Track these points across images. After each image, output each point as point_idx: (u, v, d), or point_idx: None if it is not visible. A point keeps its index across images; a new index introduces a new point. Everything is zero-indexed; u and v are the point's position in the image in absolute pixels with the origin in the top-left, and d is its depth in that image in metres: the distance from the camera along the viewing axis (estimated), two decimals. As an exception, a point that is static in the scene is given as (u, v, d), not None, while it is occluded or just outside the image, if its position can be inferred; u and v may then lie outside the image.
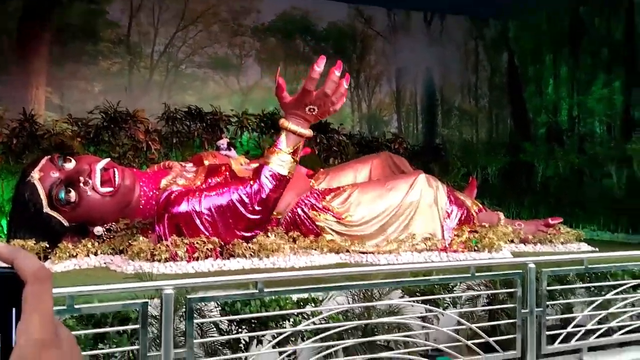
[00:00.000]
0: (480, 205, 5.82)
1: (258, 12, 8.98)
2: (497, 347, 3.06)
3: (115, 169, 4.64)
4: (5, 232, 4.94)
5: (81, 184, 4.44)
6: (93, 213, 4.55)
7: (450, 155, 8.85)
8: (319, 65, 4.14)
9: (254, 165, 5.28)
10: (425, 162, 8.48)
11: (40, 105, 7.46)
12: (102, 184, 4.53)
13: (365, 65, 9.82)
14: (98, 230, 4.63)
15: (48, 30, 7.64)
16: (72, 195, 4.43)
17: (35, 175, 4.44)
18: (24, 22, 7.51)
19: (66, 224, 4.51)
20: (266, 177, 4.38)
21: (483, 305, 3.44)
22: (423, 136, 10.14)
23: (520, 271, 3.19)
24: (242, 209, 4.36)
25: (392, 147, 8.38)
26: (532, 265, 3.18)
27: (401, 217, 4.91)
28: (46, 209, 4.42)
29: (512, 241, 5.52)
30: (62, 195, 4.40)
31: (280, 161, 4.38)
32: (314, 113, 4.31)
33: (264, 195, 4.36)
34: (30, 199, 4.40)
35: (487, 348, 3.03)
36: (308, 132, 4.41)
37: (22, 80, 7.44)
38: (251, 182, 4.40)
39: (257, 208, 4.37)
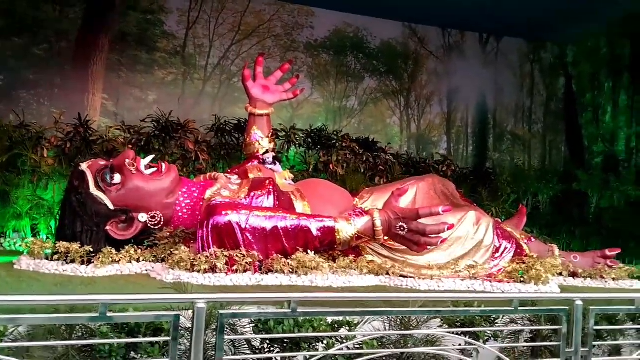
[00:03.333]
0: (529, 235, 5.62)
1: (312, 28, 9.03)
2: (538, 386, 2.91)
3: (162, 163, 4.85)
4: (55, 232, 5.06)
5: (126, 165, 4.62)
6: (137, 196, 4.64)
7: (500, 180, 8.59)
8: (444, 210, 4.20)
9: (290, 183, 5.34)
10: (474, 186, 8.30)
11: (95, 111, 7.68)
12: (147, 168, 4.73)
13: (416, 85, 9.73)
14: (142, 216, 4.71)
15: (106, 38, 7.88)
16: (117, 176, 4.59)
17: (84, 165, 4.68)
18: (84, 28, 7.77)
19: (111, 207, 4.60)
20: (323, 226, 4.38)
21: (526, 341, 3.30)
22: (473, 159, 9.95)
23: (567, 308, 3.04)
24: (283, 239, 4.37)
25: (440, 169, 8.22)
26: (579, 302, 3.02)
27: (447, 251, 4.80)
28: (92, 190, 4.56)
29: (560, 274, 5.31)
30: (107, 175, 4.58)
31: (344, 230, 4.37)
32: (399, 232, 4.27)
33: (305, 237, 4.36)
34: (79, 185, 4.58)
35: (527, 386, 2.90)
36: (380, 238, 4.37)
37: (79, 86, 7.68)
38: (304, 217, 4.42)
39: (295, 245, 4.38)
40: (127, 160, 4.63)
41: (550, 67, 10.53)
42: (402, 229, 4.22)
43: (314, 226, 4.38)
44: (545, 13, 8.83)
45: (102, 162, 4.71)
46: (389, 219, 4.29)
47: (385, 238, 4.42)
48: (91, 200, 4.57)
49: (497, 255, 4.93)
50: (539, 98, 10.52)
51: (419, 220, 4.20)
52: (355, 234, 4.36)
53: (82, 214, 4.57)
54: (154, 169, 4.77)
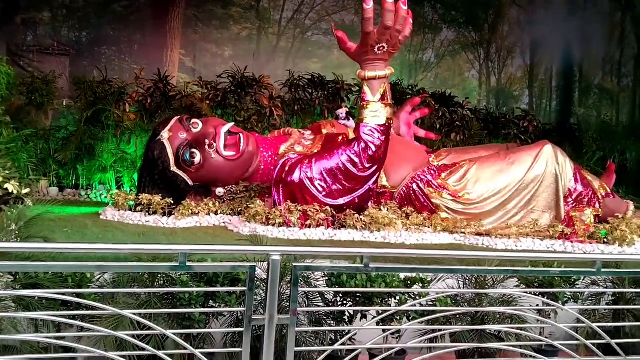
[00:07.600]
0: (609, 191, 5.33)
1: (388, -21, 8.77)
2: (619, 350, 2.80)
3: (240, 135, 4.79)
4: (136, 186, 5.28)
5: (206, 147, 4.64)
6: (216, 175, 4.75)
7: (585, 137, 8.16)
8: (368, 3, 4.03)
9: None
10: (558, 142, 7.86)
11: (174, 67, 7.84)
12: (226, 147, 4.72)
13: (497, 36, 9.30)
14: (220, 191, 4.85)
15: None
16: (197, 157, 4.65)
17: (165, 134, 4.71)
18: (162, -16, 7.89)
19: (190, 183, 4.76)
20: (366, 134, 4.41)
21: (607, 304, 3.17)
22: (556, 115, 9.49)
23: (654, 270, 2.88)
24: (353, 169, 4.41)
25: (520, 125, 7.90)
26: (669, 265, 2.86)
27: (523, 192, 4.68)
28: (173, 168, 4.70)
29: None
30: (188, 156, 4.64)
31: (373, 112, 4.41)
32: (384, 50, 4.24)
33: (370, 152, 4.40)
34: (159, 157, 4.69)
35: (607, 350, 2.79)
36: (387, 72, 4.37)
37: (158, 41, 7.84)
38: (356, 142, 4.45)
39: (367, 165, 4.42)
40: (206, 141, 4.67)
41: (644, 16, 9.79)
42: (381, 49, 4.24)
43: (367, 140, 4.39)
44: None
45: (182, 135, 4.70)
46: (369, 60, 4.31)
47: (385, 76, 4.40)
48: (172, 176, 4.73)
49: (570, 200, 4.76)
50: (630, 50, 9.82)
51: (374, 31, 4.12)
52: (379, 98, 4.39)
53: (163, 187, 4.74)
54: (232, 153, 4.71)
